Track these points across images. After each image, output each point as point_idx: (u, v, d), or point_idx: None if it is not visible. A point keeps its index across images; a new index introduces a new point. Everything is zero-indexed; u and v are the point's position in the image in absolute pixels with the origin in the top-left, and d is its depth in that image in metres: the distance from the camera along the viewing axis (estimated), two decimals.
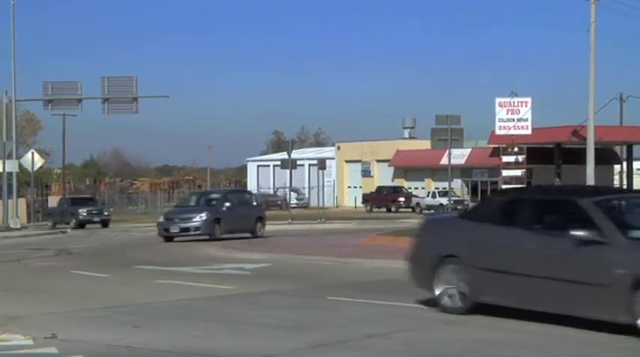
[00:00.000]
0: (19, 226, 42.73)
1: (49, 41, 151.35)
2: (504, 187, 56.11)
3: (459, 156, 61.19)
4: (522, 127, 56.13)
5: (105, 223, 47.32)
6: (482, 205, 13.41)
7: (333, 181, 79.10)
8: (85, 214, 46.51)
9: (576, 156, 56.12)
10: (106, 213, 49.39)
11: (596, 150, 47.11)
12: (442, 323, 11.05)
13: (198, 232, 30.13)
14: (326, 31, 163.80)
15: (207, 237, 29.74)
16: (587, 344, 9.63)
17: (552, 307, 10.62)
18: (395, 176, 75.33)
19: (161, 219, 31.81)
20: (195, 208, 31.50)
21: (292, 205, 55.38)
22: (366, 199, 70.55)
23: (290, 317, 11.77)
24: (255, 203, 34.65)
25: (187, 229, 30.15)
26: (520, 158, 55.06)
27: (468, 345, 9.63)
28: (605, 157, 62.19)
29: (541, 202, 11.60)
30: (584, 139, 47.22)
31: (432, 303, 12.11)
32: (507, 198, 12.68)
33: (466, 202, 64.34)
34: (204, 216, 30.18)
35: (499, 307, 12.32)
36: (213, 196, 33.84)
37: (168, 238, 30.43)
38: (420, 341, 9.86)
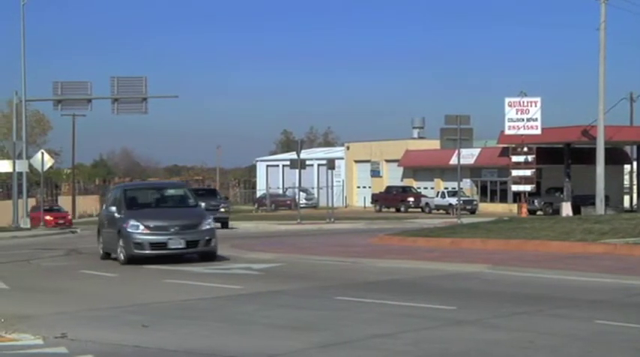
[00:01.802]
0: (29, 226, 42.87)
1: (59, 41, 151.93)
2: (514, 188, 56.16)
3: (468, 156, 61.16)
4: (532, 127, 56.20)
5: (224, 224, 38.35)
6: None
7: (342, 181, 79.14)
8: None
9: (586, 156, 56.03)
10: (222, 209, 39.62)
11: (606, 150, 47.06)
12: (449, 323, 11.05)
13: (208, 248, 20.70)
14: (335, 30, 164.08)
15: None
16: (594, 344, 9.62)
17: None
18: (404, 176, 75.32)
19: (132, 228, 20.21)
20: (184, 210, 21.58)
21: (301, 205, 55.38)
22: (375, 199, 70.56)
23: (297, 317, 11.79)
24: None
25: (195, 243, 20.46)
26: (529, 158, 55.14)
27: (475, 345, 9.62)
28: (615, 157, 62.07)
29: None
30: (594, 139, 47.16)
31: (442, 302, 12.08)
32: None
33: (475, 202, 64.32)
34: (210, 222, 21.21)
35: (502, 308, 12.33)
36: (173, 192, 23.45)
37: (139, 260, 20.01)
38: (427, 341, 9.86)
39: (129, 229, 20.26)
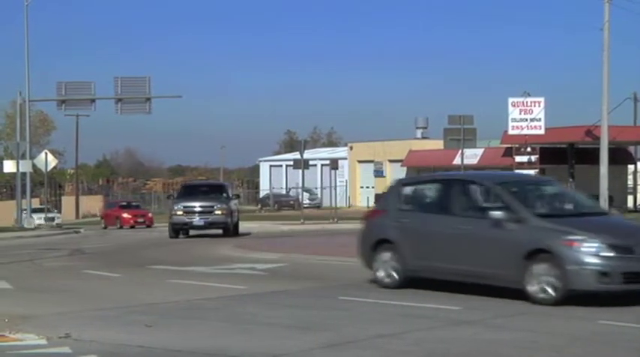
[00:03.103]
0: (32, 226, 42.95)
1: (62, 41, 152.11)
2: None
3: (471, 156, 61.08)
4: (535, 127, 56.03)
5: (225, 229, 32.12)
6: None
7: (346, 181, 79.10)
8: None
9: (590, 156, 55.94)
10: (217, 211, 32.26)
11: (610, 150, 46.99)
12: (452, 323, 11.07)
13: None
14: (338, 30, 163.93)
15: None
16: (597, 344, 9.63)
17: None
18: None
19: (588, 247, 12.48)
20: (604, 219, 14.42)
21: (305, 205, 55.38)
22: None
23: (301, 317, 11.81)
24: None
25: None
26: (533, 158, 54.89)
27: (477, 345, 9.64)
28: (619, 157, 61.99)
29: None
30: (598, 139, 47.10)
31: (445, 302, 12.11)
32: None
33: None
34: None
35: (505, 308, 12.33)
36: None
37: (584, 296, 12.51)
38: (430, 341, 9.88)
39: (583, 249, 12.47)
